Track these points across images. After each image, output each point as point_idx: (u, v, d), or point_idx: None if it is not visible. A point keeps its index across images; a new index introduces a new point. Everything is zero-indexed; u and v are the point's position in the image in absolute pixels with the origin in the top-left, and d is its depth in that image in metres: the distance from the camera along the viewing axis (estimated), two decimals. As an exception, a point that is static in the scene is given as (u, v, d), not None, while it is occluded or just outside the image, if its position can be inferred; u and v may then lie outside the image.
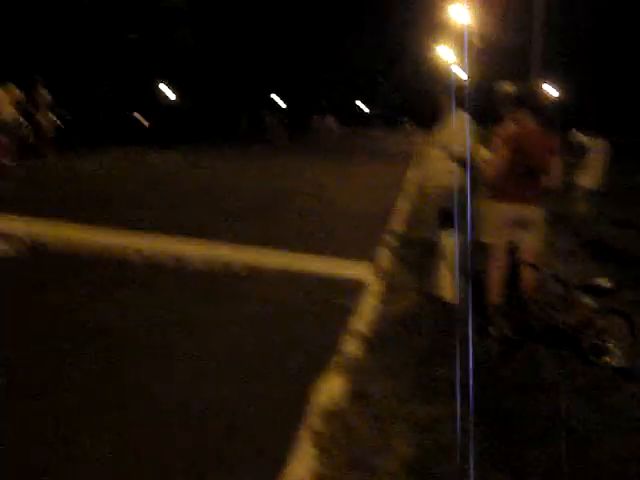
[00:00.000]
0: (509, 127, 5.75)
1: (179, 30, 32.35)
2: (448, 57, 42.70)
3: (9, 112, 17.13)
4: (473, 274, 6.23)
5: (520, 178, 5.51)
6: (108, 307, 5.77)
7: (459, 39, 34.65)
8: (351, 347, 5.17)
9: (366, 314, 6.06)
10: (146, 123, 33.33)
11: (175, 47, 33.17)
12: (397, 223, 11.22)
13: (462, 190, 6.22)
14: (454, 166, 6.13)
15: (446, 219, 6.85)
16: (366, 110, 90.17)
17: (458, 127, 6.23)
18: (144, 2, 29.18)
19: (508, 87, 5.96)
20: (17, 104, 17.58)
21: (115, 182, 15.19)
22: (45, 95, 19.73)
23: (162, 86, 36.39)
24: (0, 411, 3.83)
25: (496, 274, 5.61)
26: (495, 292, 5.55)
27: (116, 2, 27.95)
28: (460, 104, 6.42)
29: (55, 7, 25.65)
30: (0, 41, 24.16)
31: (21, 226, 8.73)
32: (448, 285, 6.40)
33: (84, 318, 5.44)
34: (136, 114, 33.23)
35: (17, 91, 17.69)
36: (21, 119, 17.77)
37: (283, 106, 51.66)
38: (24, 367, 4.44)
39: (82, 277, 6.76)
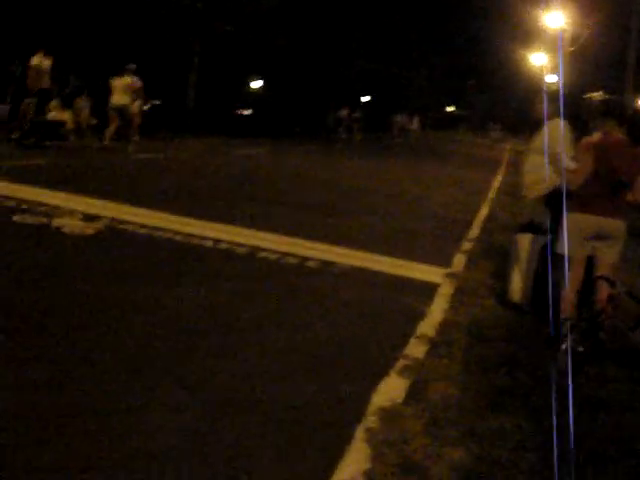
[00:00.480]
0: (596, 137, 5.61)
1: (273, 28, 32.78)
2: (541, 63, 41.81)
3: (121, 98, 18.23)
4: (547, 285, 6.11)
5: (604, 190, 5.37)
6: (183, 295, 5.89)
7: (553, 44, 33.88)
8: (417, 350, 5.15)
9: (435, 318, 6.02)
10: (248, 111, 34.21)
11: (267, 44, 33.61)
12: (478, 230, 11.10)
13: (551, 199, 6.09)
14: (547, 174, 6.00)
15: (528, 227, 6.75)
16: (453, 112, 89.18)
17: (556, 135, 6.07)
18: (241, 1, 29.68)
19: (597, 97, 5.82)
20: (130, 90, 18.57)
21: (195, 172, 15.47)
22: (136, 81, 20.25)
23: (254, 82, 36.94)
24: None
25: (571, 287, 5.48)
26: (569, 305, 5.43)
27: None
28: (557, 111, 6.28)
29: None
30: (99, 31, 24.98)
31: (102, 208, 9.01)
32: (519, 288, 6.33)
33: (156, 307, 5.56)
34: (243, 111, 34.22)
35: (132, 78, 18.65)
36: (132, 104, 18.62)
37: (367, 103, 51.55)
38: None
39: (158, 264, 6.92)
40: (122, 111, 18.43)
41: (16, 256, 6.54)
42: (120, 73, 18.66)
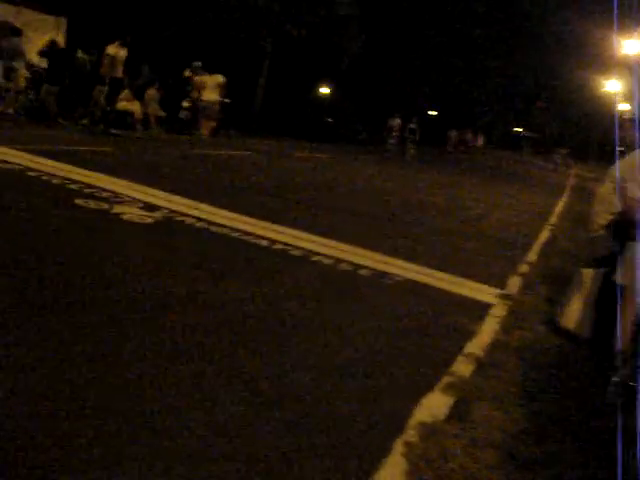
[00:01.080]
0: None
1: (347, 35, 32.91)
2: (615, 90, 41.02)
3: (211, 94, 19.65)
4: (603, 316, 5.95)
5: None
6: (231, 291, 5.91)
7: (629, 71, 33.19)
8: (463, 369, 5.07)
9: (485, 338, 5.92)
10: (330, 120, 34.52)
11: (339, 50, 33.76)
12: (536, 254, 10.90)
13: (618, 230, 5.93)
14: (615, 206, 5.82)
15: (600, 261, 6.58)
16: (520, 132, 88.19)
17: (628, 164, 5.88)
18: (317, 5, 29.81)
19: None
20: (219, 88, 19.85)
21: (256, 172, 15.58)
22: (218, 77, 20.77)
23: (323, 88, 37.11)
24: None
25: (629, 319, 5.32)
26: (625, 337, 5.27)
27: (286, 2, 28.77)
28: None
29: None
30: (175, 27, 25.41)
31: (163, 199, 9.13)
32: (577, 317, 6.18)
33: (205, 301, 5.59)
34: (329, 119, 34.60)
35: (220, 78, 19.88)
36: (218, 101, 19.74)
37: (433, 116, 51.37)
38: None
39: (211, 258, 6.97)
40: (210, 107, 19.62)
41: (74, 238, 6.67)
42: (211, 71, 19.37)
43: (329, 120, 35.34)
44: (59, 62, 16.88)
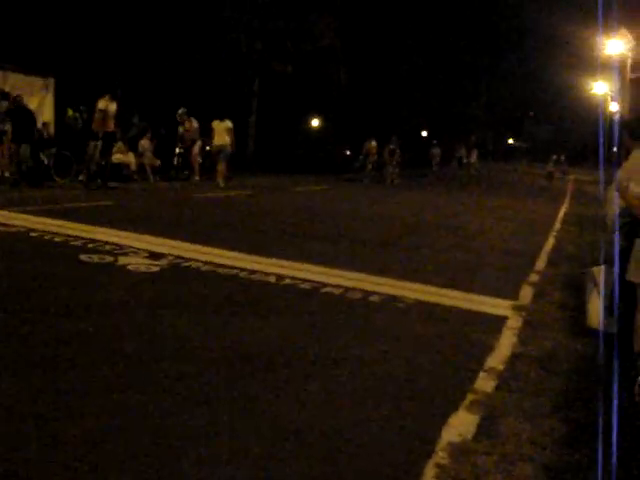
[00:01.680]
0: None
1: (332, 67, 33.15)
2: (603, 91, 41.23)
3: (221, 139, 20.66)
4: (621, 317, 5.91)
5: None
6: (243, 330, 5.88)
7: (614, 72, 33.39)
8: (486, 385, 5.02)
9: (504, 352, 5.87)
10: (349, 153, 34.39)
11: (327, 83, 34.02)
12: (544, 262, 10.87)
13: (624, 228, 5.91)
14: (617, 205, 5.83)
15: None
16: (513, 144, 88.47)
17: (630, 164, 5.84)
18: (300, 40, 30.10)
19: None
20: (229, 133, 20.71)
21: (256, 210, 15.61)
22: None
23: (314, 120, 37.37)
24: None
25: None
26: None
27: (267, 37, 29.04)
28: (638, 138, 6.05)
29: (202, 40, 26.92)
30: (163, 75, 25.67)
31: (166, 246, 9.13)
32: (599, 315, 6.15)
33: (218, 340, 5.57)
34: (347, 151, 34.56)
35: (229, 123, 20.81)
36: (228, 144, 20.76)
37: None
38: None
39: (221, 299, 6.95)
40: (221, 151, 20.53)
41: (82, 293, 6.65)
42: (220, 117, 20.74)
43: (347, 153, 35.54)
44: (26, 121, 16.77)
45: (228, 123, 20.94)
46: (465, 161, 52.88)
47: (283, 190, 21.74)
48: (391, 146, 31.05)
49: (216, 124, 20.92)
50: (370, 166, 31.31)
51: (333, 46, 32.06)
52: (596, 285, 6.46)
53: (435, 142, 49.73)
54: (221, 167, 20.62)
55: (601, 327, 6.19)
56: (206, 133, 21.67)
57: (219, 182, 20.31)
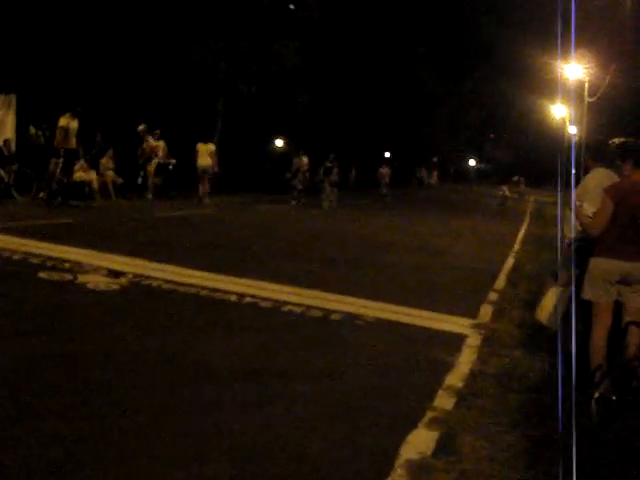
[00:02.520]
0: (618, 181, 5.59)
1: (296, 87, 33.23)
2: (562, 114, 42.00)
3: (205, 160, 21.68)
4: (576, 332, 5.99)
5: (627, 233, 5.29)
6: (206, 348, 5.85)
7: (574, 95, 34.07)
8: (445, 402, 5.05)
9: (463, 369, 5.92)
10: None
11: (291, 104, 34.09)
12: (504, 281, 11.01)
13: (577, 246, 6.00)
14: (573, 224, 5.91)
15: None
16: (474, 165, 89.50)
17: (594, 184, 5.94)
18: (263, 61, 30.17)
19: (615, 141, 5.79)
20: (211, 155, 21.91)
21: (217, 229, 15.56)
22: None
23: (277, 141, 37.43)
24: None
25: (600, 334, 5.36)
26: (598, 353, 5.30)
27: (232, 58, 29.08)
28: (599, 160, 6.18)
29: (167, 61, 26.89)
30: (125, 92, 25.57)
31: (127, 264, 9.06)
32: (549, 311, 6.23)
33: (179, 358, 5.53)
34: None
35: (212, 146, 22.50)
36: (211, 166, 21.88)
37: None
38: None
39: (182, 317, 6.91)
40: (205, 172, 21.60)
41: (40, 311, 6.56)
42: (204, 139, 22.32)
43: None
44: None
45: (211, 146, 22.38)
46: (426, 182, 53.32)
47: (244, 209, 21.72)
48: (327, 164, 27.50)
49: (200, 146, 21.99)
50: (300, 186, 27.02)
51: (297, 67, 32.22)
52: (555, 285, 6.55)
53: (385, 160, 44.03)
54: (204, 187, 21.67)
55: (549, 324, 6.28)
56: (174, 152, 21.87)
57: (203, 200, 21.26)
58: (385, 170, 36.79)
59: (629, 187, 5.41)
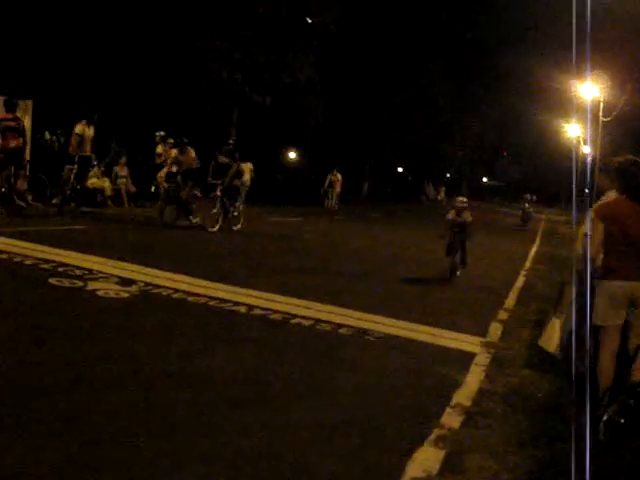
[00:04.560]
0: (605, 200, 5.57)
1: (310, 100, 33.33)
2: (576, 134, 41.92)
3: (247, 179, 23.19)
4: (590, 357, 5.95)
5: (627, 253, 5.25)
6: (213, 360, 5.85)
7: (588, 115, 34.01)
8: (452, 420, 5.03)
9: (472, 388, 5.90)
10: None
11: (305, 116, 34.19)
12: (514, 299, 10.96)
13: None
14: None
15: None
16: (486, 182, 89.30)
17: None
18: (277, 72, 30.32)
19: (614, 160, 5.74)
20: (250, 173, 23.83)
21: (230, 240, 15.57)
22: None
23: (290, 153, 37.54)
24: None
25: (607, 356, 5.32)
26: (606, 375, 5.25)
27: (248, 69, 29.21)
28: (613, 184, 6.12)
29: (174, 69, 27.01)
30: (142, 101, 25.70)
31: (137, 272, 9.08)
32: (554, 338, 6.20)
33: (185, 370, 5.53)
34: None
35: (251, 165, 24.00)
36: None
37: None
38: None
39: (190, 328, 6.91)
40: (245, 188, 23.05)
41: (50, 318, 6.58)
42: (243, 159, 22.15)
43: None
44: None
45: (250, 165, 23.93)
46: (432, 198, 52.74)
47: (257, 220, 21.73)
48: (334, 176, 28.40)
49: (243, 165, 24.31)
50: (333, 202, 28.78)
51: (312, 80, 32.35)
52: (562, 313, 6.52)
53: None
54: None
55: (556, 352, 6.24)
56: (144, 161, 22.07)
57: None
58: (335, 177, 30.31)
59: (614, 206, 5.37)
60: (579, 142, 40.95)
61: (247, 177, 23.34)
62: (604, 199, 6.00)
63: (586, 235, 5.59)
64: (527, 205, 36.21)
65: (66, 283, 8.08)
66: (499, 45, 49.92)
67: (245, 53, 28.89)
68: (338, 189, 30.29)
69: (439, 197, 53.65)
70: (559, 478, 4.12)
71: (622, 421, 4.73)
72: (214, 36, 27.73)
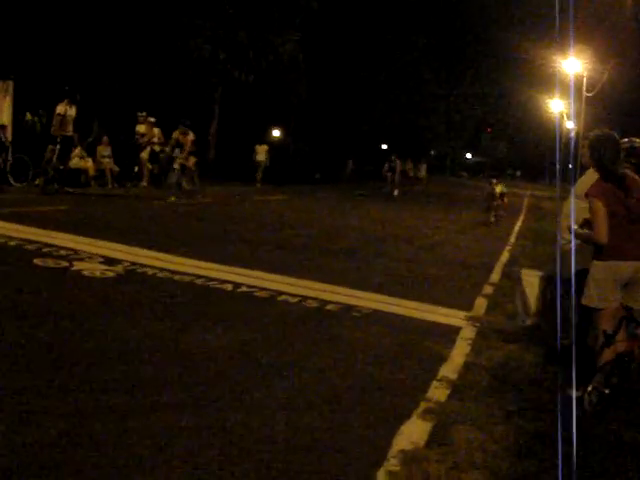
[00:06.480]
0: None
1: (293, 78, 33.17)
2: (559, 109, 41.98)
3: (261, 157, 28.98)
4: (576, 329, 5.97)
5: (627, 231, 5.05)
6: (199, 337, 5.86)
7: (572, 91, 34.07)
8: (439, 393, 5.07)
9: (457, 361, 5.94)
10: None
11: (287, 93, 34.04)
12: (499, 274, 11.01)
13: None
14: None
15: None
16: (470, 158, 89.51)
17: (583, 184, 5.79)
18: (260, 50, 30.12)
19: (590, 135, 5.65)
20: (266, 153, 29.03)
21: (214, 218, 15.55)
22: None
23: (275, 131, 37.36)
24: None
25: (598, 331, 5.29)
26: (602, 357, 5.12)
27: (230, 47, 29.01)
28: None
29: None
30: (123, 80, 25.48)
31: (122, 252, 9.05)
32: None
33: (172, 347, 5.54)
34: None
35: (266, 146, 29.20)
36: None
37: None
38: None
39: (176, 306, 6.91)
40: (260, 165, 28.83)
41: (35, 298, 6.56)
42: (259, 141, 28.31)
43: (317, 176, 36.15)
44: None
45: (265, 146, 29.09)
46: (412, 175, 52.00)
47: (241, 199, 21.68)
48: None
49: (257, 146, 28.99)
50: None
51: (295, 58, 32.13)
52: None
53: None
54: (259, 175, 28.66)
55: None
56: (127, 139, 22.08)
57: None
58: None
59: (610, 186, 5.12)
60: (562, 117, 41.01)
61: (262, 157, 28.48)
62: (588, 174, 5.92)
63: (569, 229, 5.42)
64: (497, 189, 21.93)
65: (51, 263, 8.04)
66: (482, 19, 49.80)
67: (228, 31, 28.63)
68: None
69: (419, 175, 52.66)
70: (545, 448, 4.16)
71: (607, 391, 4.77)
72: (197, 14, 27.45)
